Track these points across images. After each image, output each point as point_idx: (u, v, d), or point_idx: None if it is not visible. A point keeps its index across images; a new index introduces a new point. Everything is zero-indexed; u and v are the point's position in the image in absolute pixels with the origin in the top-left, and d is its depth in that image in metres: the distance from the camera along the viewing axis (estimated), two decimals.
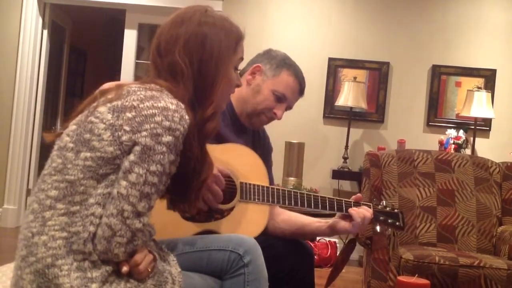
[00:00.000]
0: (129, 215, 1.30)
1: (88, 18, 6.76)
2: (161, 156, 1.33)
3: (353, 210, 1.97)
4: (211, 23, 1.51)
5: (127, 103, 1.36)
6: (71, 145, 1.37)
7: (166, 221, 1.70)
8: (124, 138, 1.33)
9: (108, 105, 1.38)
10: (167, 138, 1.33)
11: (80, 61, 7.63)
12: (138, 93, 1.39)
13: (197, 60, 1.47)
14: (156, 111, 1.34)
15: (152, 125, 1.33)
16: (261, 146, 2.21)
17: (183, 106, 1.38)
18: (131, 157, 1.32)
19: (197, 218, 1.82)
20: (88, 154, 1.34)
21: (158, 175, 1.33)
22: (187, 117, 1.38)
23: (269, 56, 2.15)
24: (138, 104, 1.35)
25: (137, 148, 1.32)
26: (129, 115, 1.34)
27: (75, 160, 1.35)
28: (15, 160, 5.27)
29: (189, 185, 1.50)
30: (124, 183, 1.31)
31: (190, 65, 1.46)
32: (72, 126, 1.41)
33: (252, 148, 2.09)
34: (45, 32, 5.41)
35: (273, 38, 5.02)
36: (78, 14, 6.15)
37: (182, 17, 1.52)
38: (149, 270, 1.39)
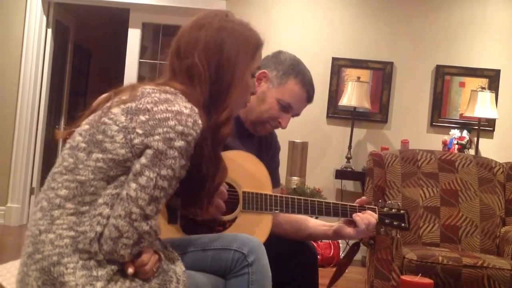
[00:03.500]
0: (137, 218, 1.31)
1: (92, 17, 6.78)
2: (173, 161, 1.32)
3: (358, 217, 1.96)
4: (230, 28, 1.51)
5: (141, 106, 1.36)
6: (83, 145, 1.37)
7: (166, 235, 1.69)
8: (136, 141, 1.33)
9: (122, 106, 1.37)
10: (179, 143, 1.33)
11: (84, 60, 7.63)
12: (153, 95, 1.38)
13: (215, 64, 1.47)
14: (170, 115, 1.34)
15: (165, 129, 1.32)
16: (268, 147, 2.18)
17: (196, 110, 1.38)
18: (143, 160, 1.32)
19: (199, 231, 1.81)
20: (100, 156, 1.34)
21: (169, 179, 1.33)
22: (200, 122, 1.37)
23: (277, 61, 2.06)
24: (152, 107, 1.35)
25: (149, 151, 1.32)
26: (142, 118, 1.34)
27: (87, 160, 1.35)
28: (19, 159, 5.28)
29: (202, 190, 1.50)
30: (134, 185, 1.31)
31: (208, 69, 1.46)
32: (84, 126, 1.41)
33: (259, 151, 2.07)
34: (49, 31, 5.42)
35: (277, 38, 5.01)
36: (82, 13, 6.16)
37: (203, 21, 1.52)
38: (154, 270, 1.39)
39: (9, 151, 5.27)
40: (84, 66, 7.70)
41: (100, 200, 1.33)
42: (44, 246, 1.33)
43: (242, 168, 1.91)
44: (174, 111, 1.34)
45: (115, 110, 1.37)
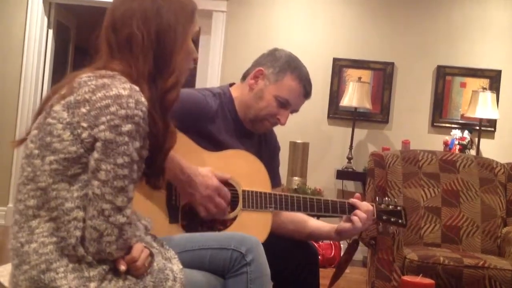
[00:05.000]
0: (110, 213, 1.29)
1: (93, 18, 6.77)
2: (125, 147, 1.29)
3: (357, 204, 2.00)
4: None
5: (79, 97, 1.32)
6: (36, 151, 1.34)
7: (168, 233, 1.70)
8: (84, 135, 1.30)
9: (62, 102, 1.34)
10: (126, 127, 1.29)
11: (85, 60, 7.63)
12: (89, 83, 1.34)
13: (155, 31, 1.42)
14: (109, 101, 1.29)
15: (108, 117, 1.28)
16: (267, 146, 2.18)
17: (137, 88, 1.34)
18: (95, 154, 1.29)
19: (200, 230, 1.81)
20: (52, 158, 1.31)
21: (127, 166, 1.30)
22: (143, 99, 1.33)
23: (273, 58, 2.05)
24: (90, 96, 1.31)
25: (98, 144, 1.29)
26: (83, 110, 1.30)
27: (42, 166, 1.32)
28: (20, 160, 5.26)
29: (154, 159, 1.45)
30: (95, 182, 1.29)
31: (148, 36, 1.42)
32: (33, 131, 1.38)
33: (258, 151, 2.07)
34: (50, 31, 5.42)
35: (278, 39, 5.01)
36: (83, 13, 6.16)
37: None
38: (146, 265, 1.38)
39: (10, 151, 5.27)
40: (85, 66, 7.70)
41: (71, 205, 1.31)
42: (29, 256, 1.31)
43: (242, 167, 1.91)
44: (113, 95, 1.30)
45: (57, 107, 1.34)
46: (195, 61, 1.59)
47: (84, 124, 1.30)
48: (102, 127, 1.28)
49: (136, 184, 1.37)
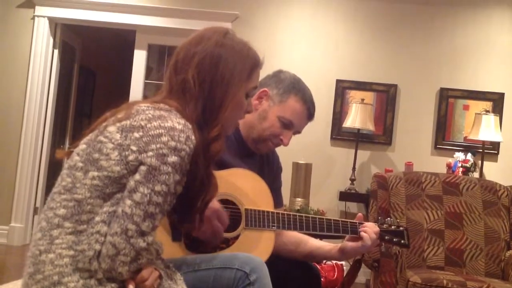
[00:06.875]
0: (133, 234, 1.31)
1: (98, 39, 6.84)
2: (166, 177, 1.33)
3: (364, 227, 1.99)
4: (228, 45, 1.51)
5: (135, 123, 1.37)
6: (80, 164, 1.38)
7: (171, 252, 1.70)
8: (130, 157, 1.34)
9: (118, 124, 1.39)
10: (172, 159, 1.33)
11: (89, 80, 7.68)
12: (147, 112, 1.40)
13: (208, 81, 1.47)
14: (163, 131, 1.35)
15: (158, 145, 1.33)
16: (269, 167, 2.19)
17: (190, 126, 1.39)
18: (137, 176, 1.33)
19: (202, 249, 1.81)
20: (96, 173, 1.35)
21: (163, 195, 1.34)
22: (193, 137, 1.38)
23: (277, 79, 2.08)
24: (145, 124, 1.36)
25: (143, 168, 1.33)
26: (136, 135, 1.35)
27: (84, 179, 1.36)
28: (23, 179, 5.29)
29: (194, 206, 1.50)
30: (128, 202, 1.32)
31: (200, 85, 1.46)
32: (82, 145, 1.42)
33: (260, 171, 2.08)
34: (56, 51, 5.47)
35: (281, 60, 5.04)
36: (89, 34, 6.22)
37: (201, 36, 1.53)
38: (155, 286, 1.39)
39: (13, 170, 5.29)
40: (90, 87, 7.75)
41: (98, 218, 1.34)
42: (45, 266, 1.33)
43: (244, 185, 1.92)
44: (167, 127, 1.35)
45: (111, 128, 1.39)
46: (248, 112, 1.63)
47: (134, 148, 1.34)
48: (150, 153, 1.33)
49: (163, 217, 1.40)
